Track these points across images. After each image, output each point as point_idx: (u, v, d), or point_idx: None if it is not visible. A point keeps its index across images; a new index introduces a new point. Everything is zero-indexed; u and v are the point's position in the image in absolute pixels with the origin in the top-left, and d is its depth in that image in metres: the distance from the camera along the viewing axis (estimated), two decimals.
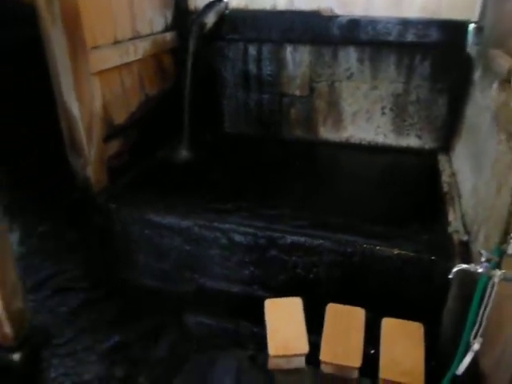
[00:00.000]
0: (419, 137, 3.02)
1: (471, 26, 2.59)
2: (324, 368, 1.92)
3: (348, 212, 2.30)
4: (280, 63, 3.08)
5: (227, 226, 2.21)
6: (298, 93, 3.13)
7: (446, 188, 2.42)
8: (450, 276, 1.42)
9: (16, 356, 1.89)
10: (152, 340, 2.11)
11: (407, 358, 1.84)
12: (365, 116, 3.07)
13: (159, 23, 2.98)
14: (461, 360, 1.42)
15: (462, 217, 2.13)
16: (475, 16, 2.59)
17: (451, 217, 2.15)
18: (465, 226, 2.06)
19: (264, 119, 3.28)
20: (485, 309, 1.35)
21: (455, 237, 2.01)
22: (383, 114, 3.03)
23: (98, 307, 2.30)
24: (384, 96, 2.98)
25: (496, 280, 1.31)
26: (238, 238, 2.20)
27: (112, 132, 2.59)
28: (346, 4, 2.83)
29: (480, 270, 1.34)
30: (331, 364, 1.90)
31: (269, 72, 3.13)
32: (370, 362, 1.86)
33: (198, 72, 2.89)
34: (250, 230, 2.18)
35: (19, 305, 1.89)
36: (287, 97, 3.17)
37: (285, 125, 3.26)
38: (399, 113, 3.00)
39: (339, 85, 3.03)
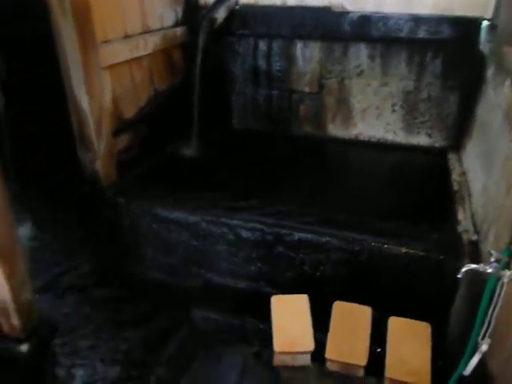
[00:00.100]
0: (429, 135, 2.99)
1: (484, 23, 2.56)
2: (329, 366, 1.92)
3: (356, 210, 2.29)
4: (290, 59, 3.07)
5: (235, 221, 2.21)
6: (307, 89, 3.12)
7: (455, 187, 2.39)
8: (459, 276, 1.41)
9: (24, 347, 1.90)
10: (163, 337, 2.11)
11: (414, 357, 1.83)
12: (374, 113, 3.05)
13: (169, 18, 2.98)
14: (468, 360, 1.41)
15: (472, 216, 2.11)
16: (489, 13, 2.56)
17: (461, 216, 2.13)
18: (474, 225, 2.04)
19: (273, 115, 3.27)
20: (493, 309, 1.34)
21: (465, 236, 1.99)
22: (393, 111, 3.01)
23: (106, 301, 2.30)
24: (394, 93, 2.95)
25: (505, 280, 1.30)
26: (245, 233, 2.20)
27: (121, 126, 2.60)
28: (357, 0, 2.81)
29: (489, 271, 1.33)
30: (337, 362, 1.90)
31: (278, 68, 3.12)
32: (376, 360, 1.85)
33: (207, 67, 2.89)
34: (258, 226, 2.18)
35: (28, 296, 1.90)
36: (296, 93, 3.16)
37: (294, 121, 3.25)
38: (410, 110, 2.97)
39: (349, 82, 3.01)
